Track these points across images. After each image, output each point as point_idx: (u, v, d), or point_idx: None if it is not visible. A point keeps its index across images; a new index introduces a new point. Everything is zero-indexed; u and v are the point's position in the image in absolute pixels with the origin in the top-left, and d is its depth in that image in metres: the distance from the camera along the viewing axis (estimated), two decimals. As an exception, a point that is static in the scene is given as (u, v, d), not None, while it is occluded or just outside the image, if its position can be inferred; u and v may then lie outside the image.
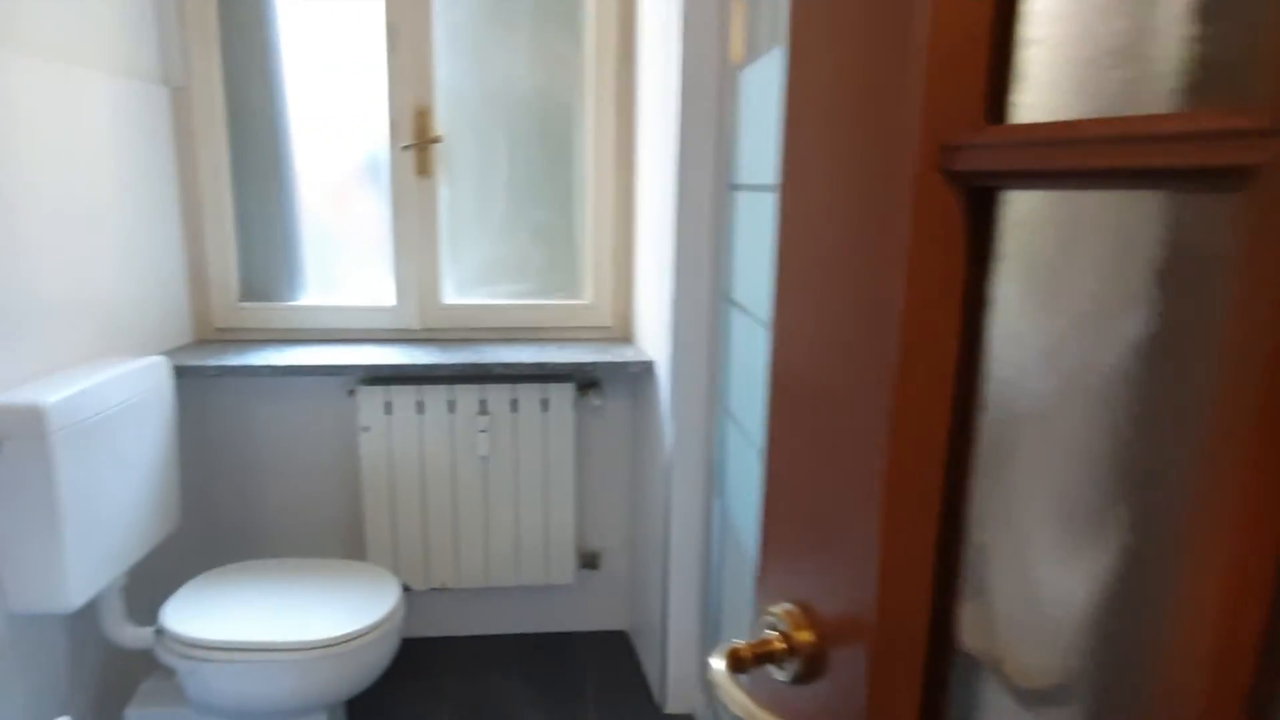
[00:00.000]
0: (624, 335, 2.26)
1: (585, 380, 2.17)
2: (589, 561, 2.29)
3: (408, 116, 2.05)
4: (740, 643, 0.51)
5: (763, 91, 1.48)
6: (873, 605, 0.44)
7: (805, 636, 0.50)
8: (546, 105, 2.13)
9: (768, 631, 0.52)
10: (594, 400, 2.17)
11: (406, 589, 2.09)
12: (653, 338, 2.00)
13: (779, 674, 0.52)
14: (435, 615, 2.30)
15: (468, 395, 2.11)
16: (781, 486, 0.55)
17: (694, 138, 1.73)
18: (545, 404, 2.14)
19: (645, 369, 1.99)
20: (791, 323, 0.55)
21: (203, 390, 2.09)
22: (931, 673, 0.43)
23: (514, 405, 2.13)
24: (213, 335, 2.13)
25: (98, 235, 1.69)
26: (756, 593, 0.57)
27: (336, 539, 2.21)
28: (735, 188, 1.68)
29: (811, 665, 0.50)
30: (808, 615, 0.51)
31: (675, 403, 1.85)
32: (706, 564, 1.91)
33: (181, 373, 1.85)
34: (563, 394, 2.14)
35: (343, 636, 1.58)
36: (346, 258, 2.16)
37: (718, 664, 0.49)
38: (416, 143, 2.07)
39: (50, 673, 1.55)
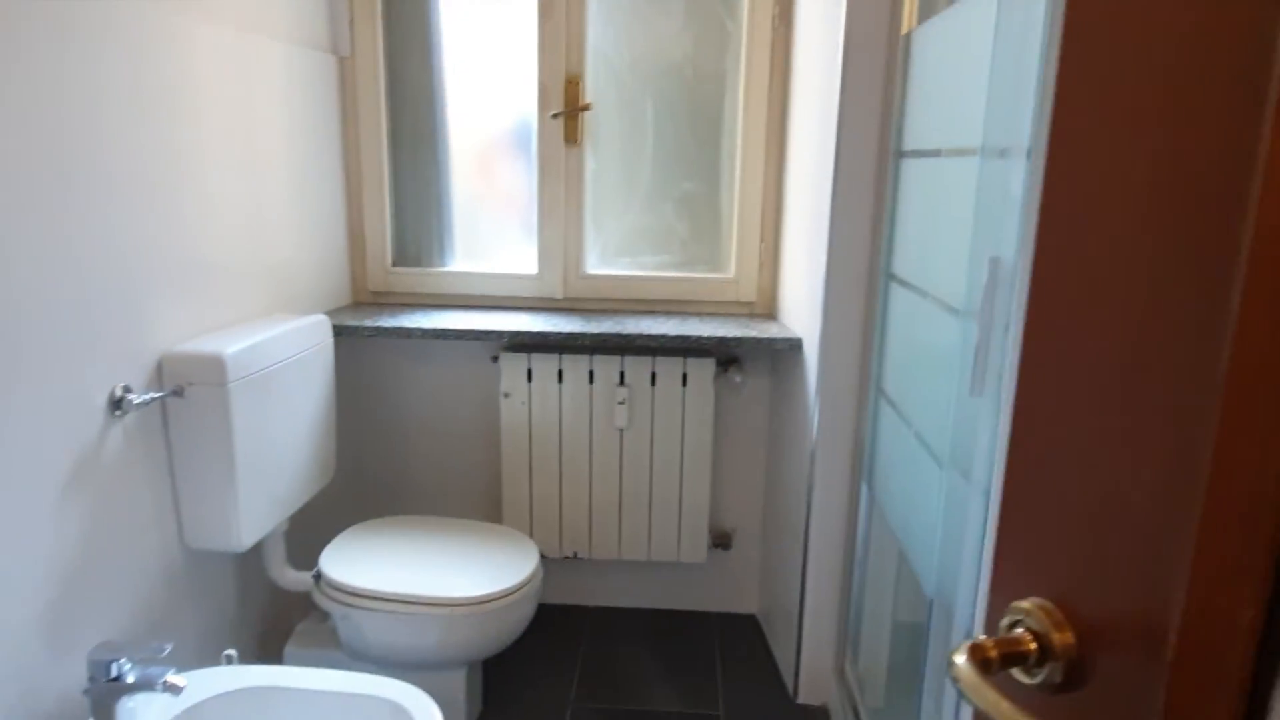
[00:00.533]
0: (768, 311, 2.19)
1: (726, 356, 2.12)
2: (721, 541, 2.25)
3: (558, 84, 2.05)
4: (984, 639, 0.45)
5: (939, 52, 1.37)
6: (1176, 606, 0.37)
7: (1064, 638, 0.44)
8: (696, 72, 2.07)
9: (1016, 630, 0.46)
10: (735, 377, 2.12)
11: (541, 555, 2.12)
12: (800, 314, 1.93)
13: (1027, 678, 0.45)
14: (568, 583, 2.32)
15: (607, 366, 2.10)
16: (1031, 466, 0.49)
17: (857, 102, 1.63)
18: (684, 378, 2.10)
19: (791, 346, 1.92)
20: (1063, 265, 0.48)
21: (358, 350, 2.18)
22: (1257, 692, 0.36)
23: (653, 378, 2.11)
24: (367, 299, 2.21)
25: (271, 199, 1.77)
26: (992, 585, 0.51)
27: (475, 500, 2.27)
28: (902, 154, 1.57)
29: (1073, 671, 0.43)
30: (1067, 613, 0.44)
31: (823, 382, 1.77)
32: (849, 551, 1.83)
33: (340, 331, 1.93)
34: (703, 369, 2.10)
35: (485, 596, 1.60)
36: (493, 225, 2.19)
37: (961, 660, 0.44)
38: (566, 110, 2.06)
39: (219, 608, 1.66)
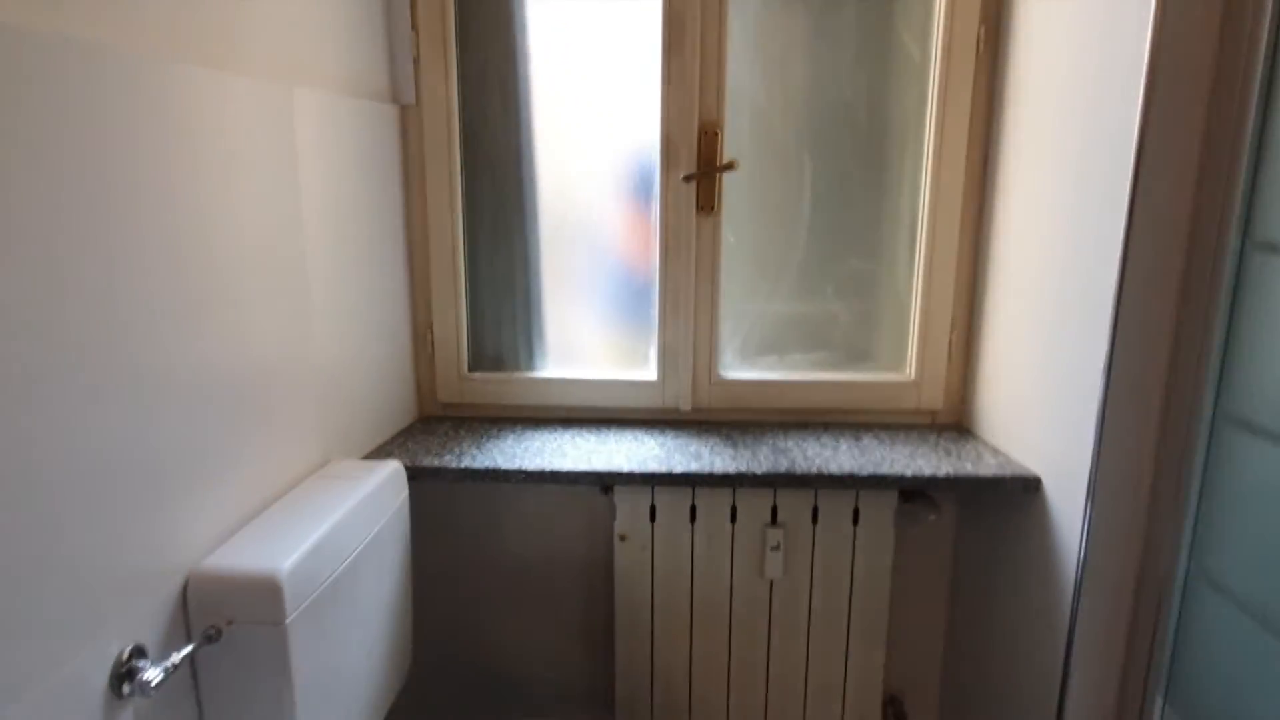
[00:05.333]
0: (956, 420, 1.69)
1: (911, 486, 1.62)
2: (895, 713, 1.75)
3: (688, 137, 1.56)
4: None
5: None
6: None
7: None
8: (870, 118, 1.59)
9: None
10: (927, 515, 1.62)
11: (673, 751, 1.62)
12: (1025, 437, 1.43)
13: None
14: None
15: (755, 500, 1.61)
16: None
17: (1166, 159, 1.15)
18: (856, 515, 1.61)
19: (1024, 487, 1.42)
20: None
21: (432, 496, 1.69)
22: None
23: (814, 515, 1.61)
24: (437, 411, 1.72)
25: (316, 290, 1.29)
26: None
27: (581, 678, 1.76)
28: (1265, 247, 1.08)
29: None
30: None
31: (1091, 550, 1.27)
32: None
33: (415, 475, 1.43)
34: (881, 503, 1.60)
35: None
36: (598, 318, 1.70)
37: None
38: (700, 171, 1.57)
39: None
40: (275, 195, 1.14)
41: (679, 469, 1.43)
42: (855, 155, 1.60)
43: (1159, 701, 1.25)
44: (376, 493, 1.23)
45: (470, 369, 1.71)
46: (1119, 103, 1.18)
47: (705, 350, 1.66)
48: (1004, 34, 1.50)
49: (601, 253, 1.65)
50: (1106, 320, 1.22)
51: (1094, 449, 1.25)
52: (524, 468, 1.43)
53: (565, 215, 1.64)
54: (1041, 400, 1.39)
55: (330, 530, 1.07)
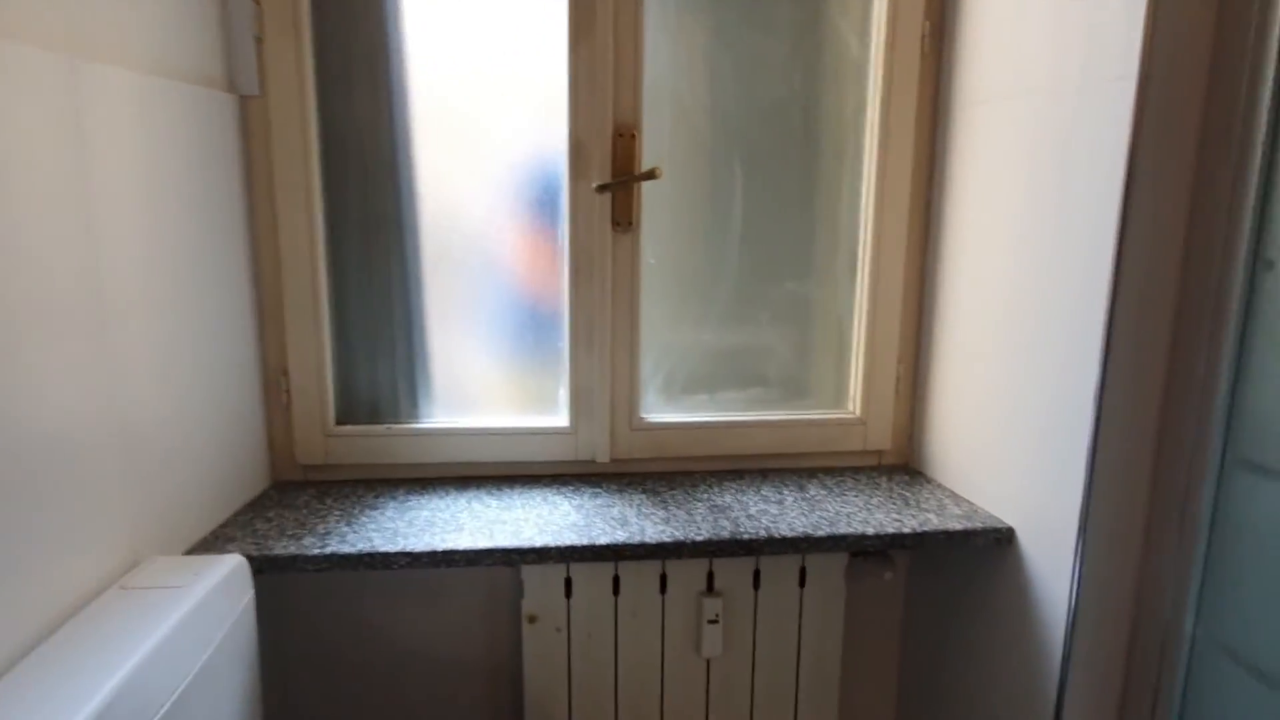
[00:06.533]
0: (905, 461, 1.52)
1: (862, 545, 1.43)
2: (849, 798, 1.55)
3: (601, 140, 1.32)
4: None
5: None
6: None
7: None
8: (808, 120, 1.40)
9: None
10: (882, 573, 1.42)
11: None
12: (989, 483, 1.26)
13: None
14: None
15: (689, 567, 1.37)
16: None
17: (1158, 171, 1.00)
18: (803, 576, 1.40)
19: (997, 539, 1.25)
20: None
21: (291, 588, 1.36)
22: None
23: (756, 579, 1.39)
24: (297, 476, 1.39)
25: (125, 327, 0.96)
26: None
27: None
28: (1267, 261, 0.94)
29: None
30: None
31: (1078, 602, 1.11)
32: None
33: (264, 566, 1.11)
34: (831, 561, 1.40)
35: None
36: (496, 355, 1.42)
37: None
38: (616, 181, 1.34)
39: None
40: (53, 201, 0.82)
41: (603, 539, 1.17)
42: (791, 163, 1.41)
43: (1166, 786, 1.09)
44: (207, 603, 0.91)
45: (338, 422, 1.39)
46: (1107, 104, 1.02)
47: (625, 391, 1.41)
48: (953, 27, 1.34)
49: (498, 277, 1.38)
50: (1096, 347, 1.06)
51: (1083, 495, 1.09)
52: (409, 549, 1.13)
53: (453, 233, 1.36)
54: (1012, 439, 1.22)
55: (131, 675, 0.75)
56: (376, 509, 1.27)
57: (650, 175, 1.31)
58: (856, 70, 1.39)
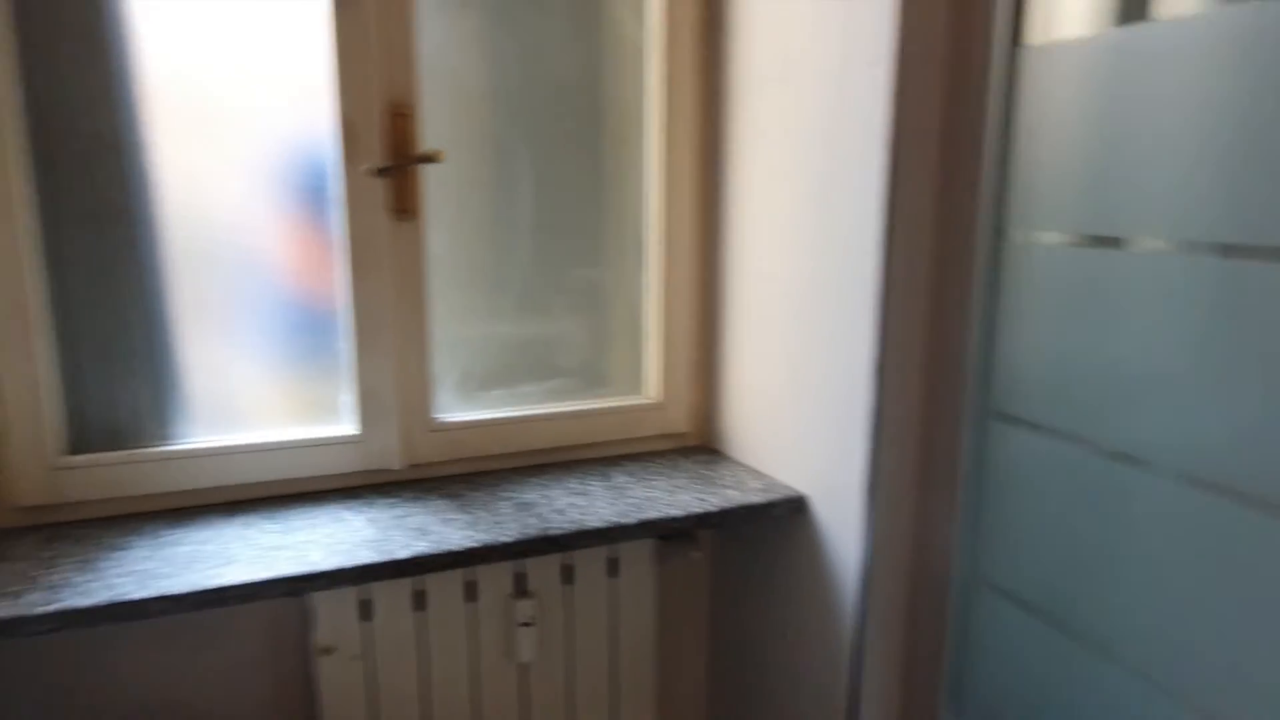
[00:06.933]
0: (704, 441, 1.55)
1: (670, 527, 1.44)
2: (670, 778, 1.57)
3: (373, 118, 1.22)
4: None
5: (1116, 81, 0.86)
6: None
7: None
8: (592, 103, 1.38)
9: None
10: (689, 552, 1.44)
11: None
12: (783, 454, 1.32)
13: None
14: None
15: (497, 571, 1.31)
16: None
17: (914, 152, 1.09)
18: (613, 566, 1.39)
19: (790, 509, 1.30)
20: None
21: (20, 655, 1.12)
22: None
23: (566, 575, 1.36)
24: (18, 521, 1.16)
25: None
26: None
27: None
28: (1005, 233, 1.05)
29: None
30: None
31: (871, 557, 1.19)
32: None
33: (-28, 637, 0.90)
34: (640, 547, 1.40)
35: None
36: (265, 361, 1.27)
37: None
38: (394, 163, 1.24)
39: None
40: None
41: (403, 553, 1.08)
42: (579, 147, 1.38)
43: (946, 708, 1.20)
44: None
45: (71, 451, 1.17)
46: (866, 89, 1.09)
47: (417, 391, 1.32)
48: (724, 13, 1.38)
49: (263, 275, 1.23)
50: (870, 318, 1.13)
51: (866, 457, 1.16)
52: (168, 591, 0.98)
53: (203, 226, 1.19)
54: (801, 411, 1.28)
55: None
56: (125, 549, 1.09)
57: (431, 158, 1.22)
58: (636, 54, 1.39)
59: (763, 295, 1.35)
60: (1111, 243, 0.93)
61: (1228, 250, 0.81)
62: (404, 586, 1.26)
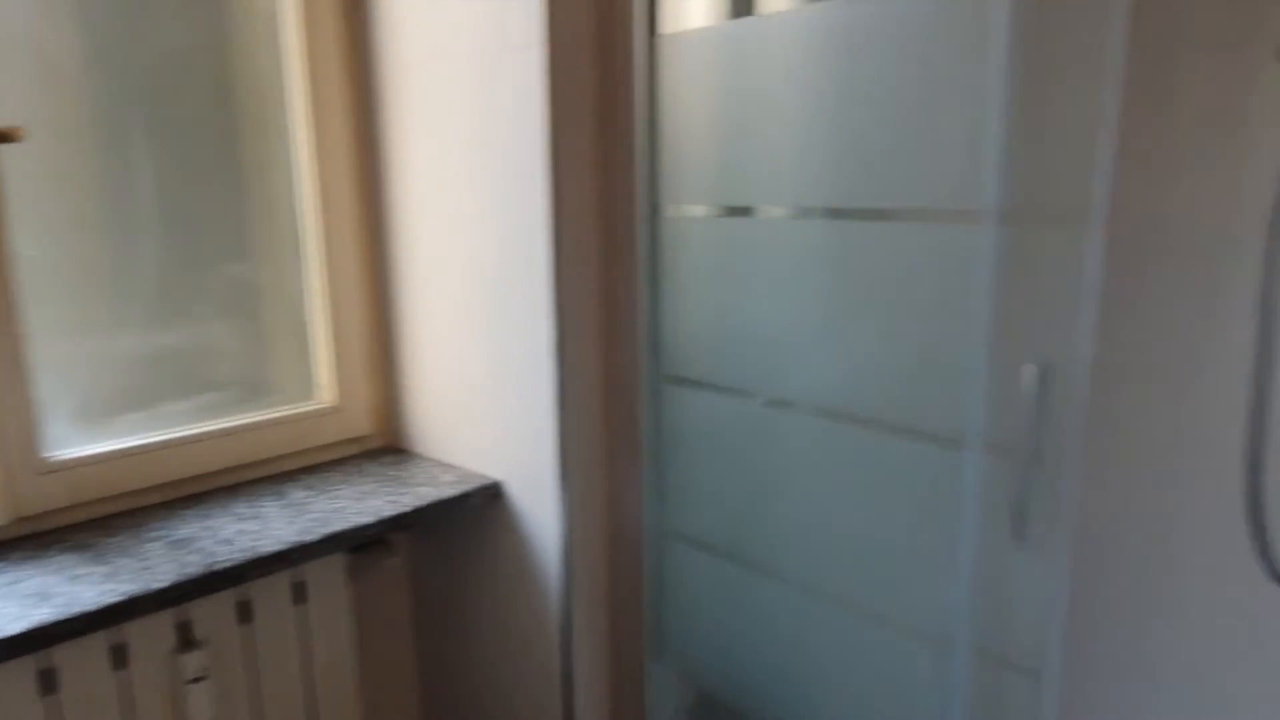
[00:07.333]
0: (390, 442, 1.46)
1: (362, 537, 1.34)
2: (388, 803, 1.47)
3: (-88, 89, 0.95)
4: None
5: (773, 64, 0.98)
6: None
7: None
8: (216, 80, 1.21)
9: None
10: (385, 559, 1.35)
11: None
12: (483, 441, 1.30)
13: None
14: None
15: (151, 628, 1.12)
16: None
17: (574, 130, 1.12)
18: (300, 592, 1.26)
19: (487, 497, 1.28)
20: None
21: None
22: None
23: (244, 613, 1.21)
24: None
25: None
26: None
27: None
28: (661, 209, 1.13)
29: None
30: None
31: (572, 531, 1.22)
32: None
33: None
34: (329, 564, 1.29)
35: None
36: None
37: None
38: (-51, 145, 0.98)
39: None
40: None
41: (16, 627, 0.87)
42: (209, 130, 1.21)
43: (649, 656, 1.27)
44: None
45: None
46: (522, 70, 1.10)
47: (17, 425, 1.07)
48: (367, -7, 1.30)
49: None
50: (547, 296, 1.14)
51: (556, 433, 1.18)
52: None
53: None
54: (489, 396, 1.27)
55: None
56: None
57: (6, 136, 0.99)
58: (270, 26, 1.25)
59: (439, 284, 1.30)
60: (745, 212, 1.04)
61: (834, 213, 0.95)
62: (25, 668, 1.02)
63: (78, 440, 1.14)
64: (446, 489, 1.25)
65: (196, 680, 1.15)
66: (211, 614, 1.17)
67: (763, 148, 1.00)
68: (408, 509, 1.18)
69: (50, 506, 1.10)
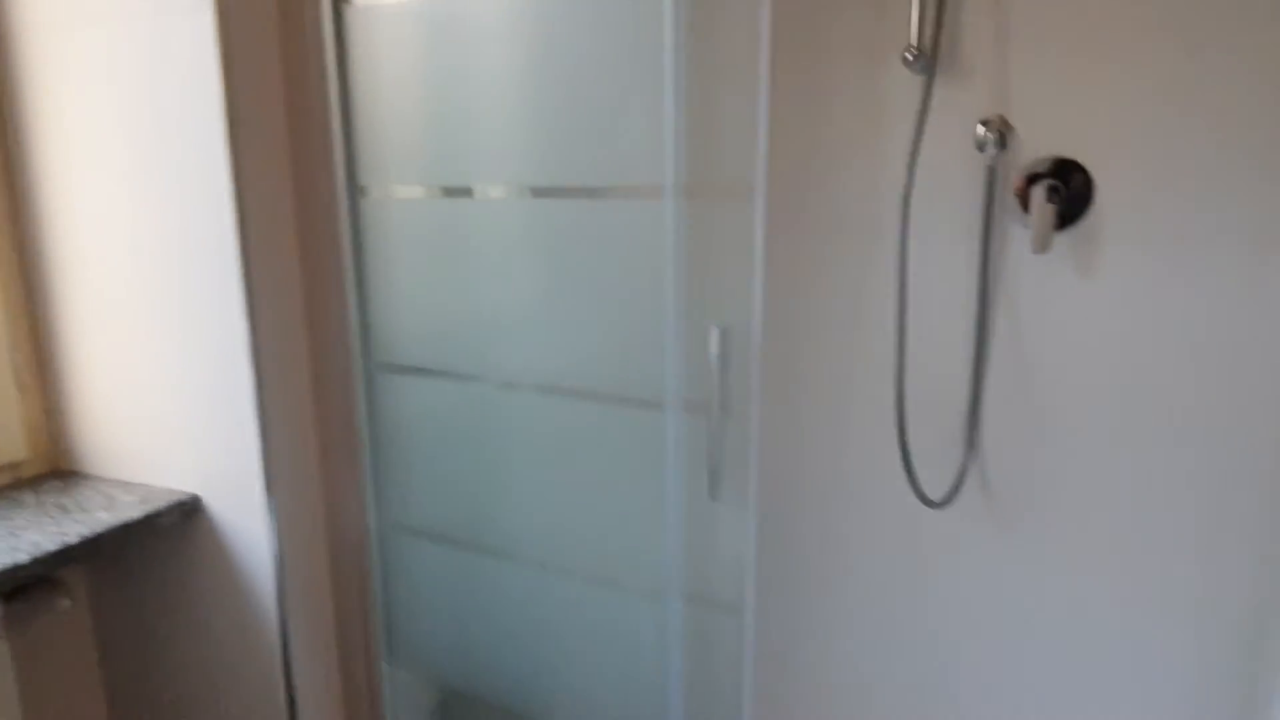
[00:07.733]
0: (54, 467, 1.25)
1: (22, 577, 1.13)
2: None
3: None
4: None
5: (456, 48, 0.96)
6: None
7: None
8: None
9: None
10: (56, 603, 1.15)
11: None
12: (174, 454, 1.16)
13: None
14: None
15: None
16: None
17: (254, 113, 1.03)
18: (-63, 654, 1.05)
19: (182, 514, 1.14)
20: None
21: None
22: None
23: None
24: None
25: None
26: None
27: None
28: (366, 191, 1.07)
29: None
30: None
31: (284, 536, 1.13)
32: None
33: None
34: (-22, 618, 1.08)
35: None
36: None
37: None
38: None
39: None
40: None
41: None
42: None
43: (385, 659, 1.22)
44: None
45: None
46: (189, 37, 0.99)
47: None
48: (-20, -63, 1.09)
49: None
50: (237, 290, 1.05)
51: (259, 437, 1.09)
52: None
53: None
54: (180, 406, 1.13)
55: None
56: None
57: None
58: None
59: (107, 287, 1.14)
60: (464, 193, 1.02)
61: (537, 192, 0.96)
62: None
63: None
64: (128, 511, 1.10)
65: None
66: None
67: (466, 129, 0.99)
68: (76, 540, 1.02)
69: None
